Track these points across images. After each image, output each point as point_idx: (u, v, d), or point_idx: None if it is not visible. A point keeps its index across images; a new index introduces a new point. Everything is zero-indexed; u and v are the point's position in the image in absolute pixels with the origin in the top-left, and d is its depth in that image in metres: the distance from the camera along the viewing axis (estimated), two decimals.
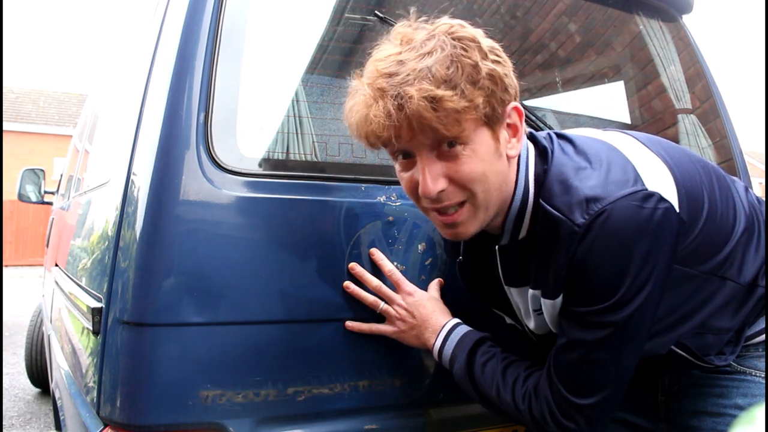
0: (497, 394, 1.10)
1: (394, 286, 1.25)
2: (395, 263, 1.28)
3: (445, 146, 0.95)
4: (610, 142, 1.05)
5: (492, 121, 0.96)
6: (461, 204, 1.00)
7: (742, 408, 1.08)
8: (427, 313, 1.22)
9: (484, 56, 0.94)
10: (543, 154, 1.05)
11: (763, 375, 1.10)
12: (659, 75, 1.86)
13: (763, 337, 1.13)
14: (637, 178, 0.96)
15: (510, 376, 1.10)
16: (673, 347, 1.09)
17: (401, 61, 0.92)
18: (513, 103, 0.99)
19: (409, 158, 1.00)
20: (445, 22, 0.97)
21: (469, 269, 1.24)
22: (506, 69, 0.97)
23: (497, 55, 0.97)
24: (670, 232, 0.95)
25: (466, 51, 0.92)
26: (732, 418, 1.09)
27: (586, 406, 1.00)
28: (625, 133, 1.12)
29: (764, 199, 1.21)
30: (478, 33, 0.97)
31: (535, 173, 1.04)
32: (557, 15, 1.74)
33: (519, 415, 1.08)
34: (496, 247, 1.13)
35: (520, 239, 1.07)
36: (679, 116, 1.85)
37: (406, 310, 1.23)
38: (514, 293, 1.16)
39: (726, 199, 1.09)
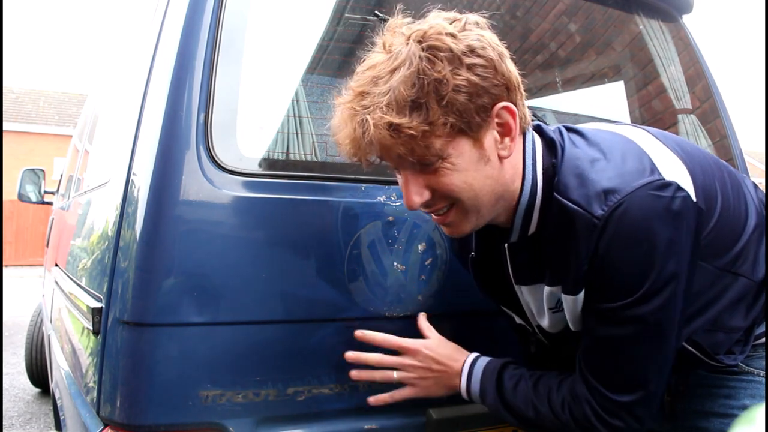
0: (535, 411, 1.08)
1: (397, 351, 1.20)
2: (395, 263, 1.28)
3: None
4: (622, 133, 1.04)
5: (471, 129, 0.93)
6: (450, 206, 1.00)
7: (749, 408, 1.07)
8: (442, 360, 1.18)
9: (457, 64, 0.90)
10: (551, 146, 1.03)
11: None
12: (659, 75, 1.86)
13: None
14: (654, 168, 0.95)
15: (542, 390, 1.08)
16: (684, 344, 1.08)
17: (375, 77, 0.92)
18: (502, 104, 0.94)
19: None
20: (429, 23, 0.94)
21: (482, 266, 1.21)
22: (487, 70, 0.92)
23: (478, 55, 0.91)
24: (689, 219, 0.94)
25: (433, 64, 0.89)
26: None
27: (629, 402, 0.98)
28: (637, 127, 1.11)
29: (764, 199, 1.21)
30: (460, 27, 0.93)
31: (543, 167, 1.02)
32: (557, 15, 1.74)
33: (562, 426, 1.05)
34: (506, 245, 1.11)
35: (530, 235, 1.05)
36: (679, 116, 1.85)
37: (421, 368, 1.18)
38: (525, 292, 1.15)
39: (737, 194, 1.09)
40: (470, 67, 0.91)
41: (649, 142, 1.03)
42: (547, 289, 1.07)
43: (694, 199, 0.95)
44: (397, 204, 1.30)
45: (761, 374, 1.10)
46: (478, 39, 0.93)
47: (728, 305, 1.07)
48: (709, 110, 1.88)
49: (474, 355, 1.19)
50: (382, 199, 1.29)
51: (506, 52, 0.97)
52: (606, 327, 0.97)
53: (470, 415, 1.33)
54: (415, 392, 1.20)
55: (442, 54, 0.90)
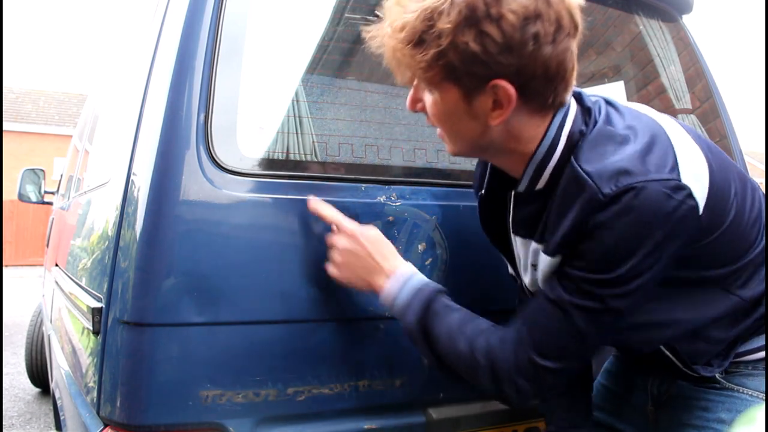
0: (452, 346, 1.06)
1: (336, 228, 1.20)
2: None
3: None
4: (659, 121, 1.02)
5: (461, 84, 0.95)
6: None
7: (724, 422, 1.07)
8: (373, 253, 1.15)
9: (468, 26, 0.88)
10: (586, 113, 1.02)
11: (752, 393, 1.08)
12: (659, 75, 1.86)
13: (755, 356, 1.11)
14: (675, 167, 0.93)
15: (470, 330, 1.07)
16: (662, 347, 1.09)
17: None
18: (500, 82, 0.92)
19: None
20: None
21: (489, 206, 1.21)
22: (497, 46, 0.89)
23: (500, 28, 0.88)
24: (686, 229, 0.94)
25: (448, 15, 0.89)
26: None
27: (545, 369, 0.99)
28: (677, 122, 1.08)
29: (764, 200, 1.21)
30: None
31: (571, 131, 1.00)
32: None
33: (472, 372, 1.05)
34: (513, 192, 1.11)
35: (537, 190, 1.05)
36: (679, 116, 1.85)
37: (348, 252, 1.16)
38: (518, 242, 1.15)
39: (758, 216, 1.07)
40: (480, 34, 0.89)
41: (681, 138, 1.00)
42: (533, 244, 1.07)
43: (700, 212, 0.94)
44: (397, 204, 1.30)
45: (742, 391, 1.09)
46: (525, 7, 0.88)
47: (713, 318, 1.06)
48: (709, 110, 1.88)
49: (414, 269, 1.17)
50: (382, 199, 1.29)
51: (563, 38, 0.92)
52: (567, 292, 0.97)
53: (470, 415, 1.33)
54: (337, 274, 1.19)
55: (464, 11, 0.89)
